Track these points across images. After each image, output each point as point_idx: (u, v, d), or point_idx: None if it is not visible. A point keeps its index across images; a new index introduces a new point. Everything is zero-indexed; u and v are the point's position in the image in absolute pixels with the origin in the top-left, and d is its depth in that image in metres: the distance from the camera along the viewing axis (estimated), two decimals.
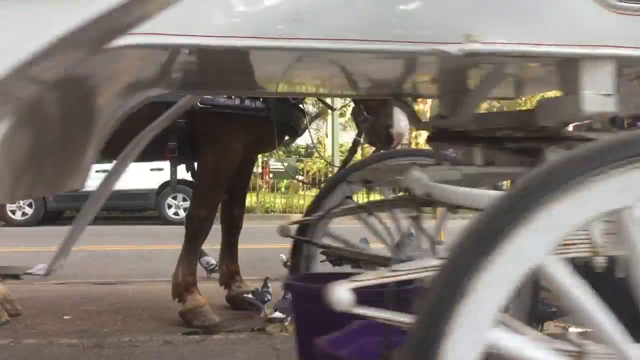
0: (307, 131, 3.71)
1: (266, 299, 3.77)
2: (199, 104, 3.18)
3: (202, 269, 4.76)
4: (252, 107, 3.26)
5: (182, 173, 3.60)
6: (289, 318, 3.32)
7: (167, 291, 3.45)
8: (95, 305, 3.85)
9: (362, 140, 3.37)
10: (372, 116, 2.93)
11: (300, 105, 3.56)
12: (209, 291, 3.79)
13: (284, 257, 4.66)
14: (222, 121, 3.26)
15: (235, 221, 3.84)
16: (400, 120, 2.73)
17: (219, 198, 3.49)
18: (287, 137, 3.77)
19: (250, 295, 3.84)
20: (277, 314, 3.30)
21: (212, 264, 4.84)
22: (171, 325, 3.32)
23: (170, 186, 4.27)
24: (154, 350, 2.85)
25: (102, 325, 3.33)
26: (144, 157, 3.95)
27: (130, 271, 5.23)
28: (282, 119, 3.36)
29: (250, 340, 3.06)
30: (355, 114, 3.18)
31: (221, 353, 2.83)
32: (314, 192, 17.51)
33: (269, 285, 3.88)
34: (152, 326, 3.32)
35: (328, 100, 4.46)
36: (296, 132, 3.61)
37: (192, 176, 3.56)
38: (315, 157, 22.10)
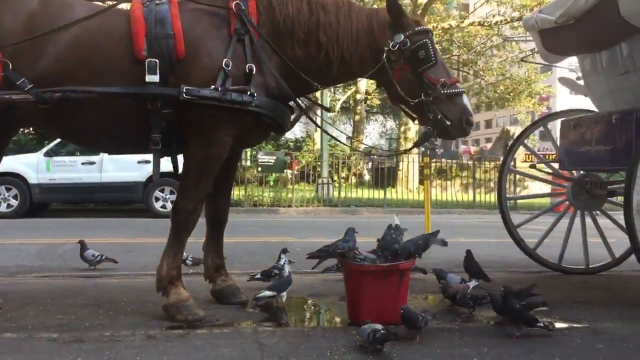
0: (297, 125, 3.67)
1: (273, 274, 3.93)
2: (184, 94, 3.11)
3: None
4: (239, 100, 3.19)
5: (170, 165, 3.53)
6: (281, 295, 3.53)
7: (151, 285, 3.40)
8: (78, 298, 3.79)
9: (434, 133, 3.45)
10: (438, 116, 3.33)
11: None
12: (194, 285, 3.75)
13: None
14: (209, 113, 3.19)
15: (220, 214, 3.79)
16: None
17: (206, 191, 3.42)
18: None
19: (258, 275, 4.03)
20: (266, 292, 3.44)
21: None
22: (154, 319, 3.27)
23: (153, 179, 4.21)
24: (135, 345, 2.80)
25: (84, 319, 3.28)
26: (124, 149, 3.88)
27: (115, 264, 5.17)
28: (269, 115, 3.30)
29: (234, 335, 3.03)
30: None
31: (204, 348, 2.79)
32: (302, 185, 17.48)
33: (283, 257, 3.92)
34: (135, 320, 3.27)
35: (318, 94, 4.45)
36: (283, 129, 3.53)
37: (174, 169, 3.50)
38: (305, 151, 22.00)
